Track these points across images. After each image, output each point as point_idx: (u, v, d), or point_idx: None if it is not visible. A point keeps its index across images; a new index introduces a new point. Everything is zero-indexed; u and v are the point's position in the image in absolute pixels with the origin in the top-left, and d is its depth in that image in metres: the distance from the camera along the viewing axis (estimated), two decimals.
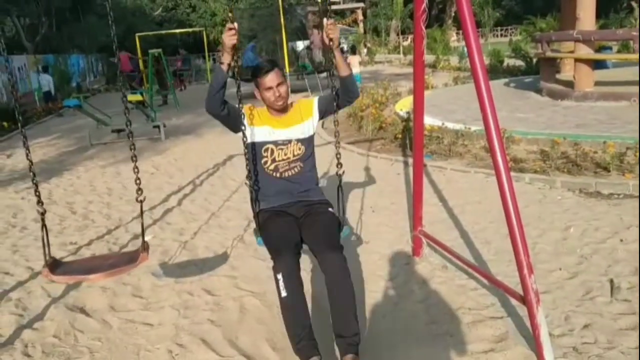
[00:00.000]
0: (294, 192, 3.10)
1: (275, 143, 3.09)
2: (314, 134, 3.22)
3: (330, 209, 3.08)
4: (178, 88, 18.15)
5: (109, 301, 3.73)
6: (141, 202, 3.04)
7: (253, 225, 5.05)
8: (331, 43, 2.90)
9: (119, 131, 10.82)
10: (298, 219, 3.02)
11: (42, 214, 2.92)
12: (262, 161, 3.11)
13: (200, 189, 6.75)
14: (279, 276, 2.65)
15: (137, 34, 23.82)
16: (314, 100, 3.25)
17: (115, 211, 5.92)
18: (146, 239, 4.88)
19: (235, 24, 2.80)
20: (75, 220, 5.76)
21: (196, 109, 13.34)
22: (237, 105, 2.95)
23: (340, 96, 3.10)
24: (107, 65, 33.70)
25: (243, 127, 2.98)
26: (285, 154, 3.10)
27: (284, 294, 2.64)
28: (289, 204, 3.07)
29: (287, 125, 3.13)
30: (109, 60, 31.78)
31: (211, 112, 2.97)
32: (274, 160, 3.10)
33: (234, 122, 3.03)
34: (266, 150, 3.10)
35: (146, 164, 8.36)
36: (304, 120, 3.17)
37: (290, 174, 3.11)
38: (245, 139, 3.00)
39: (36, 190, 2.93)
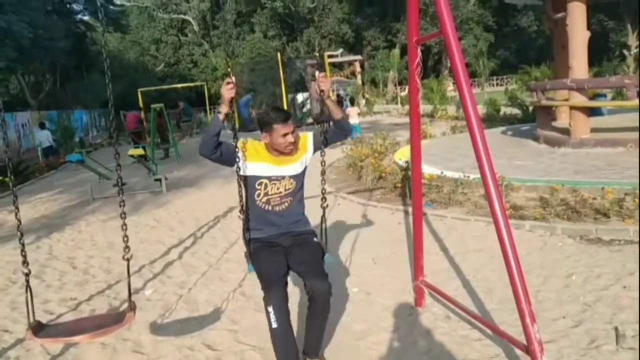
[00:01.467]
0: (283, 225, 3.33)
1: (270, 178, 3.28)
2: (306, 167, 3.41)
3: (315, 239, 3.37)
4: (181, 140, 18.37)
5: (109, 358, 3.68)
6: (128, 260, 3.00)
7: (252, 278, 5.09)
8: (322, 94, 3.28)
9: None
10: (286, 249, 3.28)
11: (27, 274, 2.90)
12: (255, 194, 3.29)
13: (201, 241, 6.74)
14: (270, 308, 2.93)
15: (139, 89, 24.33)
16: (309, 135, 3.44)
17: (116, 265, 5.90)
18: (147, 293, 4.92)
19: (233, 78, 3.10)
20: (75, 275, 5.74)
21: (197, 162, 13.46)
22: (231, 143, 3.19)
23: (334, 130, 3.40)
24: (110, 121, 34.25)
25: (237, 161, 3.21)
26: (278, 189, 3.29)
27: (274, 325, 2.93)
28: (278, 235, 3.32)
29: (283, 163, 3.30)
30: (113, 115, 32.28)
31: (204, 154, 3.20)
32: (266, 194, 3.28)
33: (228, 160, 3.24)
34: (260, 184, 3.27)
35: (147, 217, 8.39)
36: (299, 157, 3.36)
37: (280, 208, 3.31)
38: (239, 172, 3.25)
39: (22, 251, 2.94)
